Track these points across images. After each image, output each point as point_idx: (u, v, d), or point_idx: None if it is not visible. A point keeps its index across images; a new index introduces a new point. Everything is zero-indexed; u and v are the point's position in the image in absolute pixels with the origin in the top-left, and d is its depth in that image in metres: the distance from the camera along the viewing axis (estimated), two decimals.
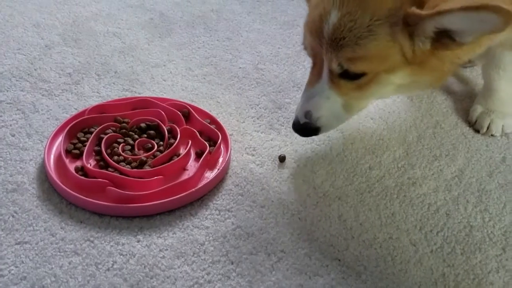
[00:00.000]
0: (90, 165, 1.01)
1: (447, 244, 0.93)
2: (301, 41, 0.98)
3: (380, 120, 1.22)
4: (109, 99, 1.22)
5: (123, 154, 1.03)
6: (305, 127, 0.98)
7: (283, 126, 1.19)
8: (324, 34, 0.90)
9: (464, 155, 1.13)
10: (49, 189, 0.97)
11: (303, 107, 0.98)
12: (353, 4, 0.87)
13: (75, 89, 1.27)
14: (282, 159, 1.08)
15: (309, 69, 0.98)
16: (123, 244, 0.88)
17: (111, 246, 0.88)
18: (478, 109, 1.22)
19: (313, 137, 1.15)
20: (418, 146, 1.15)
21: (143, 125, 1.10)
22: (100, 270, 0.84)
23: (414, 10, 0.84)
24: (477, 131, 1.20)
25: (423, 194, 1.03)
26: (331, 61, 0.91)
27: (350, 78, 0.92)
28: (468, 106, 1.27)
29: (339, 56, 0.89)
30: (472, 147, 1.16)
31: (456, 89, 1.23)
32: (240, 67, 1.40)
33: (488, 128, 1.19)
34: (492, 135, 1.19)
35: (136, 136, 1.08)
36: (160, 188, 0.95)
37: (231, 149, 1.08)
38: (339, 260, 0.89)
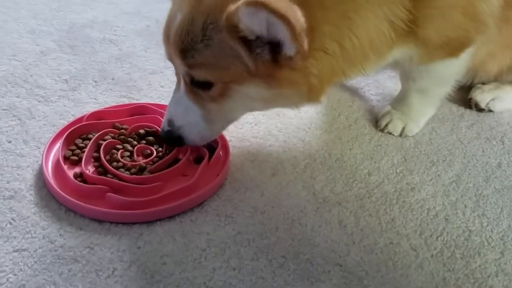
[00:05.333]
0: (89, 171, 1.00)
1: (447, 248, 0.93)
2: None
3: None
4: (107, 106, 1.21)
5: (122, 160, 1.02)
6: (168, 136, 0.94)
7: (281, 132, 1.19)
8: (170, 39, 0.83)
9: (460, 161, 1.14)
10: (47, 195, 0.96)
11: (167, 115, 0.93)
12: (192, 4, 0.78)
13: (72, 95, 1.26)
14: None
15: None
16: (123, 251, 0.88)
17: (112, 253, 0.87)
18: (385, 108, 1.23)
19: (311, 142, 1.16)
20: (415, 152, 1.16)
21: (142, 131, 1.10)
22: (101, 277, 0.83)
23: (230, 7, 0.70)
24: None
25: (422, 199, 1.03)
26: (178, 67, 0.84)
27: (201, 87, 0.86)
28: (467, 113, 1.29)
29: (182, 63, 0.82)
30: (468, 153, 1.17)
31: (453, 95, 1.24)
32: None
33: (386, 126, 1.20)
34: (390, 133, 1.20)
35: (135, 143, 1.08)
36: (160, 194, 0.95)
37: (230, 155, 1.07)
38: (341, 265, 0.89)
